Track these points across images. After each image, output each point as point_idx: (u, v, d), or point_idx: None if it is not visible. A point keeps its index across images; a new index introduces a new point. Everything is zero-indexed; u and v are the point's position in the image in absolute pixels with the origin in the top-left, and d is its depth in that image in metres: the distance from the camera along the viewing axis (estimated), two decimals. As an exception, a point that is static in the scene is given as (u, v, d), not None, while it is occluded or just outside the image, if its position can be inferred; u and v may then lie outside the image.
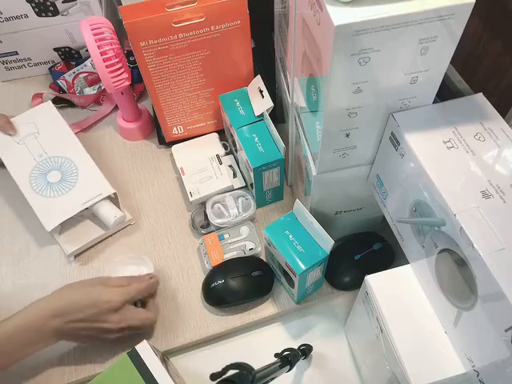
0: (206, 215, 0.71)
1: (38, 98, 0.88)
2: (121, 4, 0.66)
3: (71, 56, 0.92)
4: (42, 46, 0.89)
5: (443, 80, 0.44)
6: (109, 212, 0.68)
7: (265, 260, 0.67)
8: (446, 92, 0.49)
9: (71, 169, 0.70)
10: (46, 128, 0.73)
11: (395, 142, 0.47)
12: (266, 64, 0.75)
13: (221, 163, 0.76)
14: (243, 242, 0.68)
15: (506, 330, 0.35)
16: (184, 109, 0.76)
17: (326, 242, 0.56)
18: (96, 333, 0.57)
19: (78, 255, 0.70)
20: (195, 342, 0.63)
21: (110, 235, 0.72)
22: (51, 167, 0.70)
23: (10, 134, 0.73)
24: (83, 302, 0.55)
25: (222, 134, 0.81)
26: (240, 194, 0.73)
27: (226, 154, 0.77)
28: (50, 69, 0.92)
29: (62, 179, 0.69)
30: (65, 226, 0.69)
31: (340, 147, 0.50)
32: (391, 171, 0.50)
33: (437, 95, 0.46)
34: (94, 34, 0.66)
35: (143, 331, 0.61)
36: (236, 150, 0.74)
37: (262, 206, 0.74)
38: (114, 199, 0.70)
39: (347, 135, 0.48)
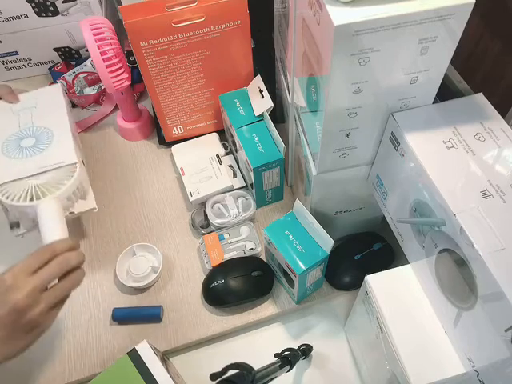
0: (205, 215, 0.71)
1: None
2: (121, 4, 0.65)
3: (71, 56, 0.92)
4: (41, 45, 0.89)
5: (443, 80, 0.44)
6: (51, 232, 0.57)
7: (265, 260, 0.67)
8: (445, 92, 0.49)
9: (47, 138, 0.67)
10: (44, 104, 0.74)
11: (395, 141, 0.47)
12: (266, 64, 0.75)
13: (221, 163, 0.76)
14: (243, 242, 0.68)
15: (505, 330, 0.35)
16: (184, 109, 0.76)
17: (326, 242, 0.56)
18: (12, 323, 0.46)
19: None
20: (195, 342, 0.63)
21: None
22: (29, 134, 0.68)
23: (11, 103, 0.73)
24: None
25: (222, 133, 0.81)
26: (240, 193, 0.73)
27: (226, 153, 0.77)
28: (49, 69, 0.92)
29: (33, 145, 0.67)
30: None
31: (340, 147, 0.50)
32: (391, 171, 0.50)
33: (437, 95, 0.46)
34: (94, 34, 0.66)
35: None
36: (236, 150, 0.74)
37: (261, 206, 0.74)
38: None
39: (347, 135, 0.48)
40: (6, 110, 0.73)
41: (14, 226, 0.64)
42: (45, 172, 0.62)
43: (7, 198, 0.60)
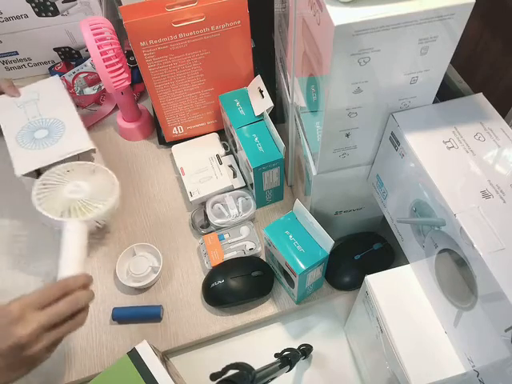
0: (206, 215, 0.71)
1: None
2: (121, 4, 0.65)
3: (71, 56, 0.92)
4: (42, 45, 0.89)
5: (443, 80, 0.44)
6: (70, 262, 0.56)
7: (265, 260, 0.67)
8: (446, 92, 0.49)
9: (58, 128, 0.71)
10: (46, 96, 0.76)
11: (395, 141, 0.47)
12: (266, 64, 0.75)
13: (221, 163, 0.76)
14: (243, 242, 0.68)
15: (505, 330, 0.35)
16: (184, 109, 0.76)
17: (326, 242, 0.56)
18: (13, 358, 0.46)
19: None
20: (195, 342, 0.63)
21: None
22: (40, 126, 0.71)
23: (13, 96, 0.75)
24: None
25: (222, 133, 0.81)
26: (240, 193, 0.73)
27: (226, 153, 0.77)
28: (49, 69, 0.92)
29: (47, 136, 0.70)
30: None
31: (340, 147, 0.50)
32: (391, 171, 0.50)
33: (437, 95, 0.46)
34: (94, 34, 0.66)
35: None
36: (236, 150, 0.74)
37: (261, 206, 0.74)
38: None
39: (347, 135, 0.48)
40: (11, 104, 0.75)
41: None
42: (83, 187, 0.62)
43: (40, 204, 0.60)
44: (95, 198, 0.62)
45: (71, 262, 0.56)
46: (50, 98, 0.76)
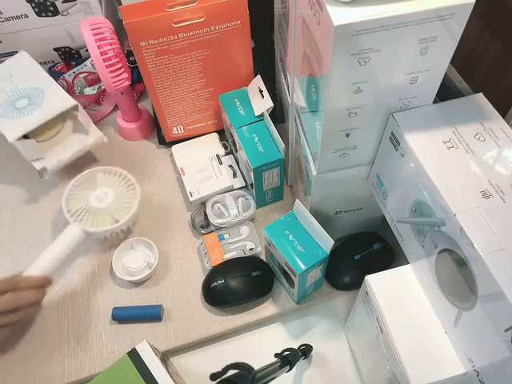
0: (206, 215, 0.71)
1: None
2: (121, 4, 0.65)
3: (71, 56, 0.92)
4: (42, 45, 0.89)
5: (443, 80, 0.44)
6: (48, 256, 0.62)
7: (265, 260, 0.67)
8: (445, 92, 0.49)
9: (38, 94, 0.72)
10: (18, 70, 0.77)
11: (395, 141, 0.47)
12: (266, 64, 0.75)
13: (221, 163, 0.76)
14: (243, 242, 0.68)
15: (505, 330, 0.35)
16: (184, 109, 0.76)
17: (326, 242, 0.56)
18: None
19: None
20: (195, 342, 0.63)
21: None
22: (20, 96, 0.73)
23: None
24: None
25: (222, 133, 0.81)
26: (240, 193, 0.73)
27: (226, 153, 0.77)
28: (49, 69, 0.92)
29: (29, 103, 0.71)
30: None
31: (340, 147, 0.50)
32: (391, 171, 0.50)
33: (437, 95, 0.46)
34: (94, 34, 0.66)
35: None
36: (236, 150, 0.74)
37: (261, 206, 0.74)
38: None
39: (347, 135, 0.48)
40: None
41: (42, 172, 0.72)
42: (108, 196, 0.68)
43: (68, 199, 0.68)
44: (116, 208, 0.68)
45: (45, 262, 0.61)
46: (23, 71, 0.76)
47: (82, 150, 0.74)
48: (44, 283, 0.58)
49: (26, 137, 0.70)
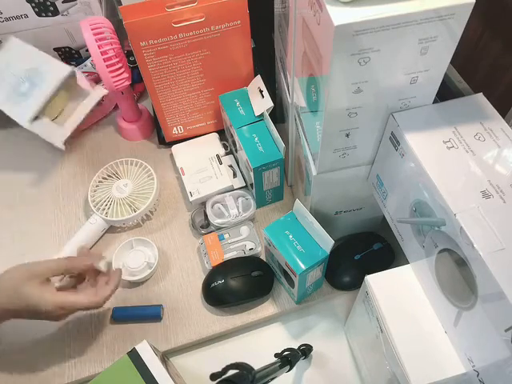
0: (206, 215, 0.71)
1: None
2: (121, 4, 0.65)
3: (71, 56, 0.92)
4: (42, 46, 0.88)
5: (443, 80, 0.44)
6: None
7: (265, 260, 0.67)
8: (445, 92, 0.49)
9: (36, 75, 0.74)
10: (15, 57, 0.77)
11: (395, 142, 0.47)
12: (266, 64, 0.75)
13: (221, 163, 0.76)
14: (243, 242, 0.68)
15: (505, 330, 0.35)
16: (184, 109, 0.76)
17: (326, 242, 0.56)
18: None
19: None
20: (195, 342, 0.63)
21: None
22: (22, 81, 0.74)
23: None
24: (13, 306, 0.54)
25: (222, 133, 0.81)
26: (240, 193, 0.73)
27: (226, 153, 0.77)
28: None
29: (31, 85, 0.73)
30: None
31: (340, 147, 0.50)
32: (391, 171, 0.50)
33: (437, 95, 0.46)
34: (95, 34, 0.66)
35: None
36: (236, 150, 0.74)
37: (261, 206, 0.74)
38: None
39: (347, 135, 0.48)
40: None
41: None
42: (128, 187, 0.73)
43: (95, 190, 0.74)
44: (136, 197, 0.72)
45: (70, 249, 0.67)
46: (19, 57, 0.77)
47: (89, 111, 0.78)
48: (91, 266, 0.61)
49: (36, 119, 0.73)
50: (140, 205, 0.72)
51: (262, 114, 0.69)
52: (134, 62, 0.74)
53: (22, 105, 0.73)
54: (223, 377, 0.38)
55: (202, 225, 0.72)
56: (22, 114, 0.72)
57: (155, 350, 0.55)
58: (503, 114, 0.46)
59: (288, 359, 0.49)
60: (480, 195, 0.40)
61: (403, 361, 0.44)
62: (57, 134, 0.75)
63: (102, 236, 0.72)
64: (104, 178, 0.75)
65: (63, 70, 0.73)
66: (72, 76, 0.74)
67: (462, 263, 0.39)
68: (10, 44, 0.78)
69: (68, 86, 0.75)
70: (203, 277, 0.67)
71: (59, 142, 0.75)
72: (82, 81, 0.75)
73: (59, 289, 0.58)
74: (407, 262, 0.51)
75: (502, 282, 0.34)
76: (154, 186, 0.73)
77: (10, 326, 0.63)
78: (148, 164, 0.75)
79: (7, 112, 0.74)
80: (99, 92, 0.77)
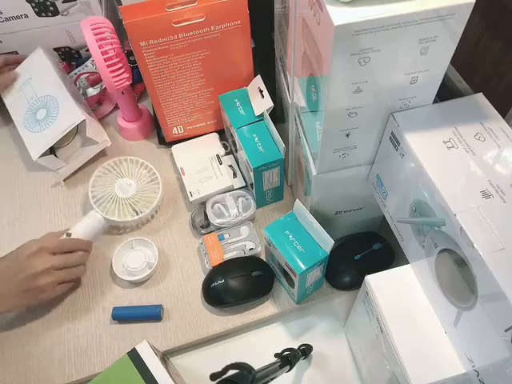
0: (206, 215, 0.71)
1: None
2: (121, 4, 0.66)
3: (71, 56, 0.92)
4: (41, 46, 0.89)
5: (443, 80, 0.44)
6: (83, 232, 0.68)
7: (265, 260, 0.67)
8: (445, 92, 0.49)
9: (53, 105, 0.77)
10: (36, 74, 0.81)
11: (395, 141, 0.47)
12: (266, 64, 0.75)
13: (221, 163, 0.76)
14: (243, 242, 0.68)
15: (505, 330, 0.35)
16: (184, 109, 0.76)
17: (326, 242, 0.56)
18: (27, 287, 0.59)
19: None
20: (195, 342, 0.63)
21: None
22: (39, 106, 0.78)
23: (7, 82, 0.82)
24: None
25: (222, 133, 0.81)
26: (240, 193, 0.73)
27: (226, 153, 0.77)
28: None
29: (46, 115, 0.77)
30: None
31: (340, 147, 0.50)
32: (391, 171, 0.50)
33: (437, 95, 0.46)
34: (95, 34, 0.66)
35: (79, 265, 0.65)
36: (236, 150, 0.74)
37: (261, 206, 0.74)
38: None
39: (347, 135, 0.48)
40: (11, 89, 0.81)
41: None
42: (131, 187, 0.73)
43: (94, 185, 0.72)
44: (139, 199, 0.72)
45: (83, 231, 0.67)
46: (40, 74, 0.80)
47: (91, 156, 0.80)
48: (88, 248, 0.66)
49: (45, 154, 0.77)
50: (142, 208, 0.71)
51: (262, 114, 0.69)
52: (134, 61, 0.74)
53: (36, 135, 0.77)
54: (223, 377, 0.38)
55: (202, 225, 0.72)
56: (34, 147, 0.76)
57: (155, 349, 0.55)
58: (503, 114, 0.46)
59: (288, 359, 0.49)
60: (480, 195, 0.40)
61: (403, 361, 0.44)
62: (60, 171, 0.78)
63: (102, 236, 0.72)
64: (104, 173, 0.74)
65: (78, 116, 0.74)
66: (82, 123, 0.76)
67: (461, 263, 0.39)
68: (35, 55, 0.81)
69: (79, 128, 0.79)
70: (203, 277, 0.67)
71: (59, 178, 0.78)
72: (92, 132, 0.77)
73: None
74: (407, 262, 0.51)
75: (502, 282, 0.34)
76: (159, 191, 0.72)
77: (10, 325, 0.64)
78: (148, 164, 0.75)
79: (22, 135, 0.78)
80: (105, 144, 0.79)
